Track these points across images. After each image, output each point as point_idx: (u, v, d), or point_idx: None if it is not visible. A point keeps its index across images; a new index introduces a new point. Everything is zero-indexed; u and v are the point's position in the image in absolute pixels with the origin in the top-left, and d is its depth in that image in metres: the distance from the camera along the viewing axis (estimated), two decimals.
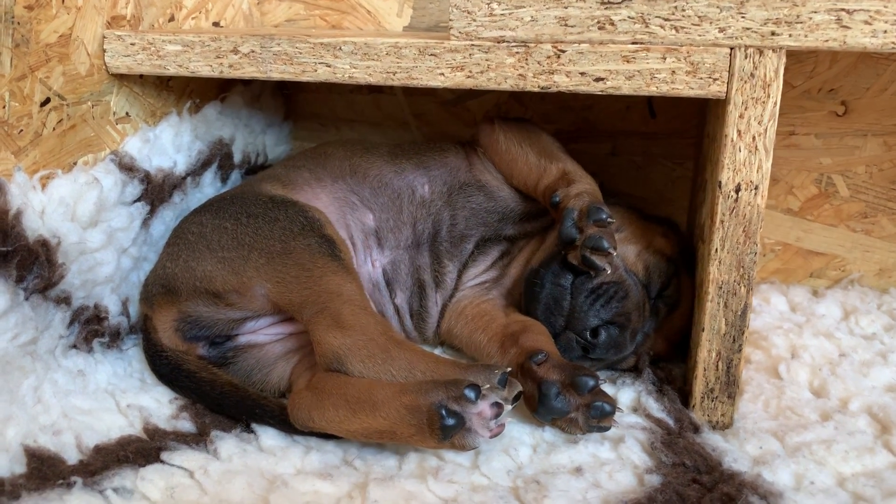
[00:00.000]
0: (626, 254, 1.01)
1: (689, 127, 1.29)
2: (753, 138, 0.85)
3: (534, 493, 0.77)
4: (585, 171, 1.05)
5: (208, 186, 1.16)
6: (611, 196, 1.06)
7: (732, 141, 0.85)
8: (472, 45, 0.89)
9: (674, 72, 0.85)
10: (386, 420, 0.78)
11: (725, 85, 0.84)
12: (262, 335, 0.99)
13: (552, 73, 0.88)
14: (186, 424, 0.89)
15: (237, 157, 1.22)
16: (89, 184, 0.92)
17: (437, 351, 1.09)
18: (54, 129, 0.93)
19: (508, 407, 0.80)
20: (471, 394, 0.77)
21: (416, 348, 0.86)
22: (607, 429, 0.86)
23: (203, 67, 0.97)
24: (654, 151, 1.32)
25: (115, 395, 0.92)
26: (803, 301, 1.23)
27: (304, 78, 0.94)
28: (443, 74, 0.91)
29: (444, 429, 0.76)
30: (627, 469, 0.82)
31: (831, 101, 1.23)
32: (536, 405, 0.87)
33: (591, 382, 0.85)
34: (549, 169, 1.02)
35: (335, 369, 0.84)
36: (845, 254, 1.29)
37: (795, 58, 1.21)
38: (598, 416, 0.85)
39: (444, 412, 0.76)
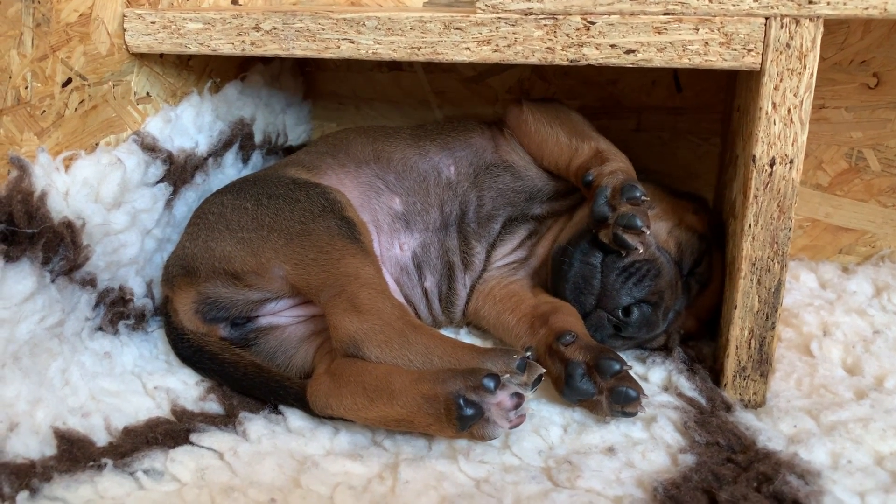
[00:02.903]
0: (657, 231, 0.99)
1: (717, 101, 1.27)
2: (789, 111, 0.82)
3: (567, 474, 0.76)
4: None
5: (230, 167, 1.15)
6: (638, 173, 1.04)
7: (767, 114, 0.83)
8: (499, 17, 0.87)
9: (707, 43, 0.83)
10: (403, 409, 0.77)
11: (760, 56, 0.82)
12: (284, 317, 0.98)
13: (581, 46, 0.86)
14: (214, 406, 0.88)
15: (258, 137, 1.21)
16: (112, 164, 0.91)
17: (462, 332, 1.08)
18: (76, 109, 0.92)
19: (529, 394, 0.79)
20: (489, 383, 0.76)
21: (433, 333, 0.85)
22: (633, 414, 0.84)
23: (225, 45, 0.95)
24: (680, 127, 1.30)
25: (142, 377, 0.91)
26: (833, 278, 1.21)
27: (328, 54, 0.93)
28: (469, 49, 0.89)
29: (461, 419, 0.75)
30: (661, 449, 0.81)
31: (863, 73, 1.20)
32: (563, 386, 0.86)
33: (616, 366, 0.83)
34: (581, 148, 1.00)
35: (352, 354, 0.82)
36: (875, 230, 1.27)
37: (826, 28, 1.17)
38: (620, 402, 0.83)
39: (461, 402, 0.75)
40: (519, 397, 0.77)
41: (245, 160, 1.18)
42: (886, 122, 1.21)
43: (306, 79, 1.39)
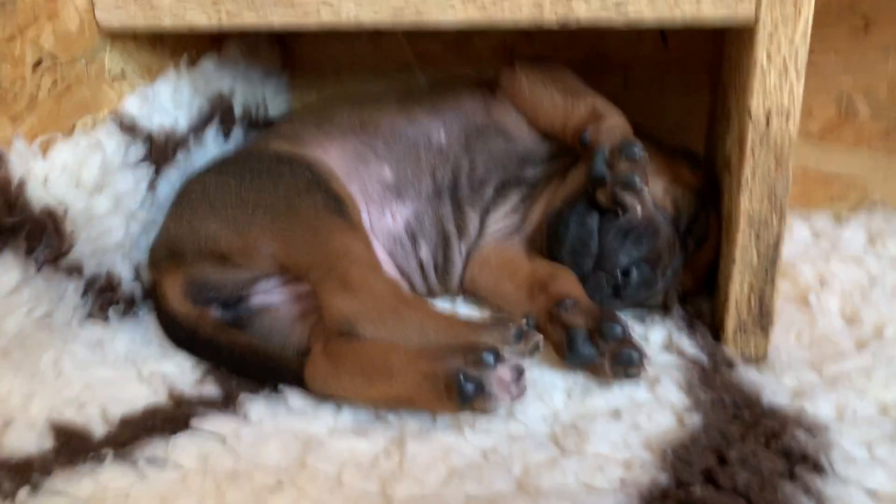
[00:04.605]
0: (653, 189, 0.97)
1: (704, 52, 1.25)
2: (784, 60, 0.81)
3: (574, 439, 0.75)
4: None
5: (211, 143, 1.11)
6: (633, 129, 1.02)
7: (762, 65, 0.81)
8: None
9: None
10: (403, 387, 0.77)
11: (753, 4, 0.80)
12: (276, 295, 0.96)
13: (570, 1, 0.84)
14: (212, 389, 0.86)
15: (238, 111, 1.18)
16: (92, 147, 0.88)
17: (459, 301, 1.06)
18: (49, 91, 0.89)
19: (528, 361, 0.78)
20: (489, 358, 0.75)
21: (426, 307, 0.84)
22: (636, 376, 0.83)
23: (199, 16, 0.92)
24: (667, 80, 1.28)
25: (137, 364, 0.89)
26: (826, 227, 1.20)
27: (308, 21, 0.89)
28: (454, 8, 0.86)
29: (462, 395, 0.74)
30: (666, 409, 0.80)
31: (852, 17, 1.18)
32: (565, 352, 0.86)
33: (618, 330, 0.83)
34: (577, 107, 0.98)
35: (346, 333, 0.81)
36: (867, 175, 1.26)
37: None
38: (623, 365, 0.82)
39: (462, 378, 0.74)
40: (519, 371, 0.76)
41: (226, 135, 1.15)
42: (876, 66, 1.20)
43: (284, 48, 1.35)
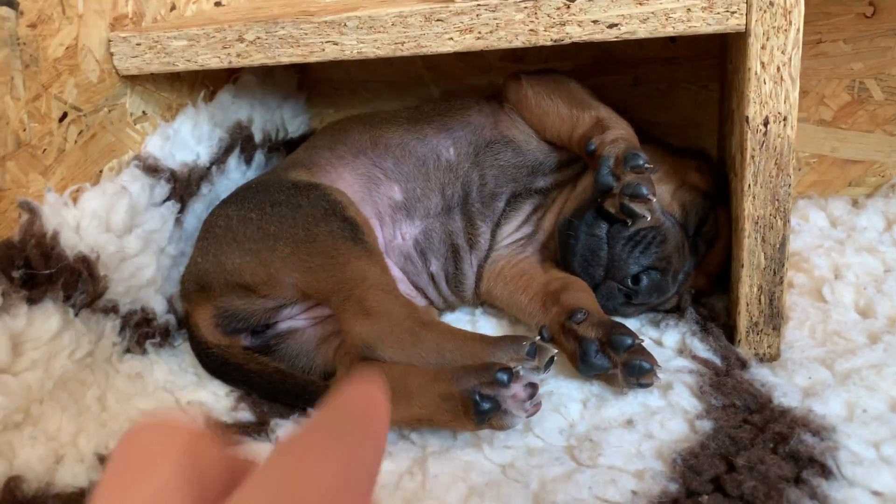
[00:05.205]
0: (661, 195, 0.99)
1: (712, 47, 1.25)
2: (778, 69, 0.82)
3: (588, 452, 0.78)
4: (610, 106, 1.03)
5: (234, 171, 1.16)
6: (638, 130, 1.03)
7: (756, 74, 0.82)
8: (479, 5, 0.87)
9: (689, 9, 0.83)
10: (423, 409, 0.80)
11: (744, 17, 0.81)
12: (301, 320, 1.00)
13: (564, 25, 0.86)
14: (246, 415, 0.91)
15: (258, 137, 1.22)
16: (118, 193, 0.93)
17: (478, 311, 1.10)
18: (76, 141, 0.94)
19: (543, 375, 0.82)
20: (503, 377, 0.78)
21: (443, 327, 0.87)
22: (648, 385, 0.86)
23: (211, 59, 0.96)
24: (677, 76, 1.29)
25: (175, 393, 0.94)
26: (843, 214, 1.20)
27: (313, 59, 0.93)
28: (452, 39, 0.89)
29: (478, 414, 0.77)
30: (678, 416, 0.83)
31: (858, 3, 1.17)
32: (578, 363, 0.88)
33: (628, 341, 0.85)
34: (582, 118, 1.00)
35: (367, 357, 0.85)
36: (884, 159, 1.25)
37: None
38: (635, 375, 0.85)
39: (477, 398, 0.77)
40: (533, 387, 0.79)
41: (248, 161, 1.20)
42: (886, 51, 1.19)
43: (298, 69, 1.39)
